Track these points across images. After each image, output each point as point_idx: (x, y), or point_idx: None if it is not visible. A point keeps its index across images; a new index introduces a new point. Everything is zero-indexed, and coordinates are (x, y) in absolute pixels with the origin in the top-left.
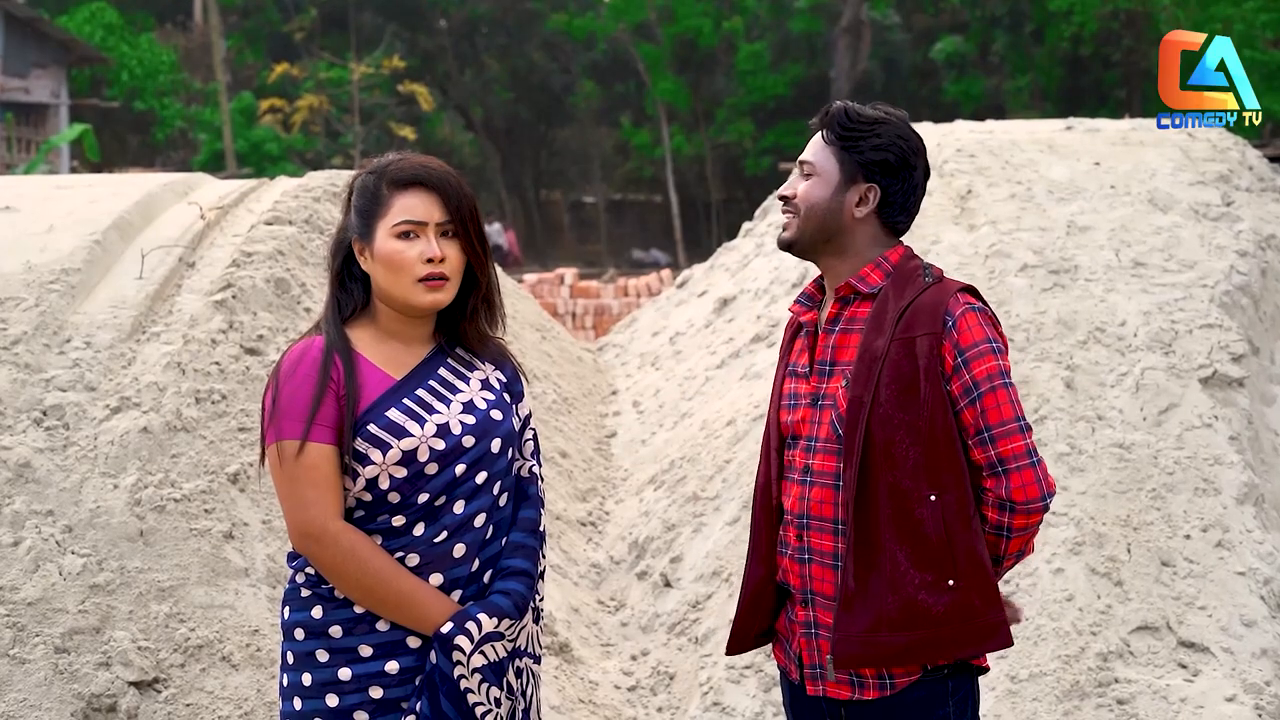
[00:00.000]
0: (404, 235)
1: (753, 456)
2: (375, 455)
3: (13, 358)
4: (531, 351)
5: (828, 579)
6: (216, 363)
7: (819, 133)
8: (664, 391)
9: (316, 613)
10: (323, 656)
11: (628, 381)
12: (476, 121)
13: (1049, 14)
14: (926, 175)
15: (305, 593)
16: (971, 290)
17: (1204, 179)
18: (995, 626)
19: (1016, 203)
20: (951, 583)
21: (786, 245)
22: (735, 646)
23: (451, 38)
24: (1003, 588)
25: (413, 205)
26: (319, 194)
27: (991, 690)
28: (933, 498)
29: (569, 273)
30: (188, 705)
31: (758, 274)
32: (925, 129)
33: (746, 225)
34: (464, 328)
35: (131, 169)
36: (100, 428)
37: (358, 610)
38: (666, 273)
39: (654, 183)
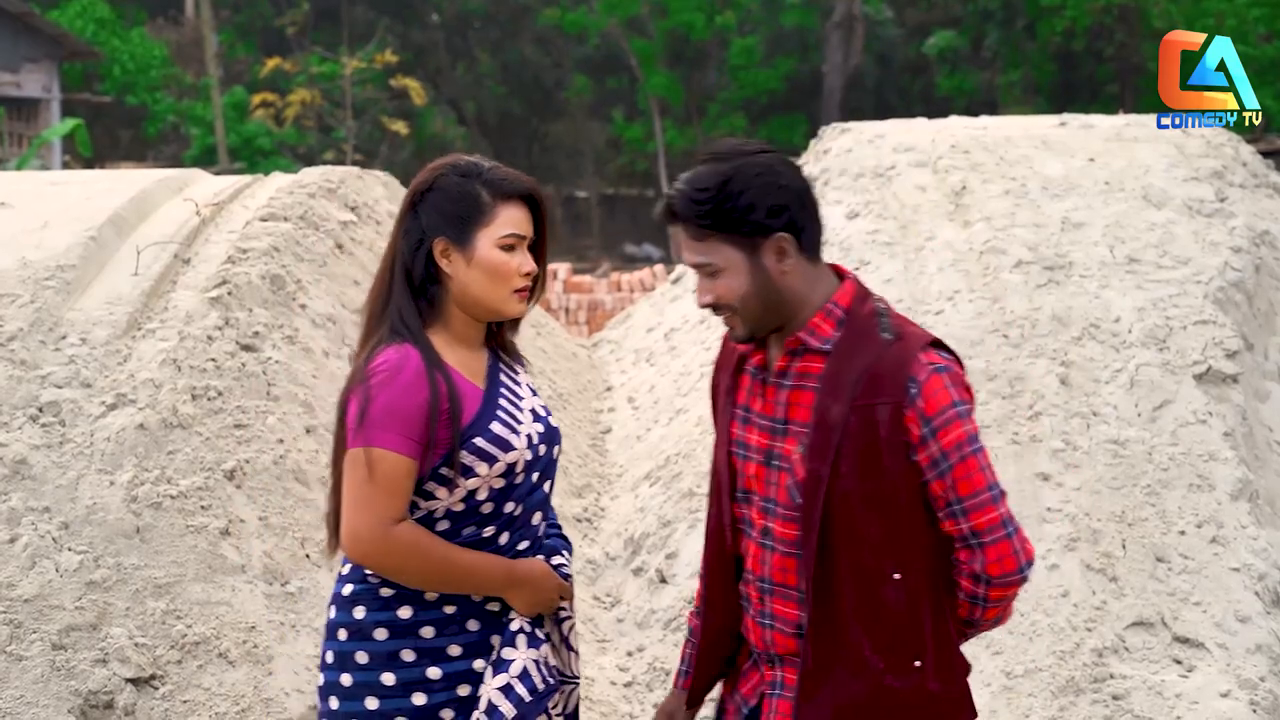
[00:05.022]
0: (507, 247)
1: None
2: (480, 468)
3: (8, 354)
4: (526, 347)
5: (792, 646)
6: (212, 359)
7: (683, 230)
8: (659, 387)
9: (404, 613)
10: (409, 656)
11: (622, 377)
12: (468, 116)
13: (1041, 9)
14: (802, 175)
15: (387, 592)
16: (937, 344)
17: (1198, 175)
18: (959, 701)
19: (1011, 199)
20: (919, 663)
21: (747, 341)
22: (696, 699)
23: (444, 32)
24: None
25: (518, 218)
26: (314, 190)
27: (987, 686)
28: (896, 576)
29: (562, 268)
30: (185, 702)
31: None
32: (919, 124)
33: None
34: (505, 331)
35: (123, 164)
36: (96, 424)
37: (448, 610)
38: (660, 268)
39: (646, 177)
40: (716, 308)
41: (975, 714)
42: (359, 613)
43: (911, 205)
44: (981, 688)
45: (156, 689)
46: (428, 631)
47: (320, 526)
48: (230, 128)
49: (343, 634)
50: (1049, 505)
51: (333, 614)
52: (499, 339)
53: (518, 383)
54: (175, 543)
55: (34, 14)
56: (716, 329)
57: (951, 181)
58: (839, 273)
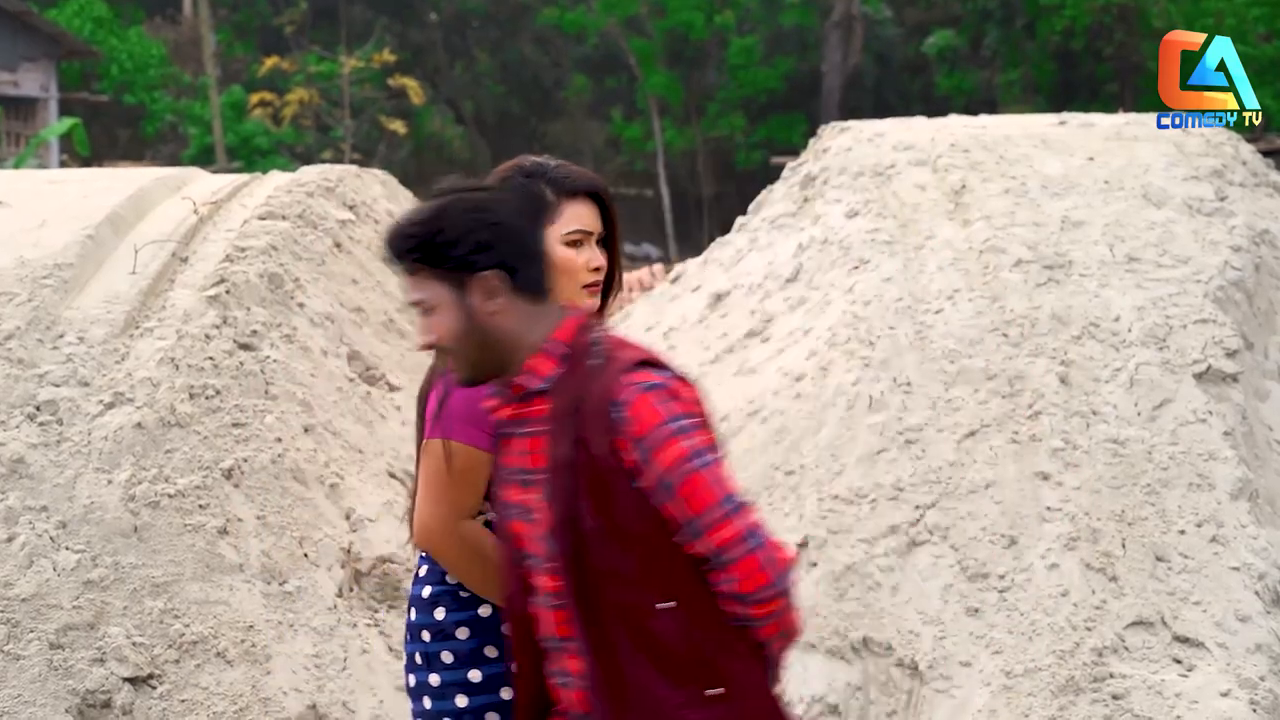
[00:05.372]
0: (573, 243)
1: (747, 451)
2: None
3: (6, 353)
4: None
5: (590, 702)
6: (210, 358)
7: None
8: None
9: (484, 611)
10: (492, 653)
11: None
12: (467, 115)
13: (1040, 8)
14: (522, 215)
15: (465, 593)
16: (649, 363)
17: (1198, 174)
18: (769, 715)
19: (1010, 198)
20: (714, 691)
21: (468, 384)
22: None
23: (442, 31)
24: (998, 583)
25: (583, 214)
26: (312, 189)
27: (987, 686)
28: (664, 606)
29: None
30: (183, 701)
31: (751, 269)
32: (919, 123)
33: (740, 220)
34: None
35: (121, 163)
36: (94, 423)
37: None
38: (659, 267)
39: (645, 177)
40: (435, 348)
41: None
42: (439, 614)
43: (911, 204)
44: (981, 687)
45: (154, 688)
46: (508, 628)
47: (319, 525)
48: (228, 127)
49: (426, 635)
50: (1048, 504)
51: (413, 616)
52: None
53: None
54: (173, 542)
55: (32, 13)
56: (716, 329)
57: (951, 180)
58: (570, 311)
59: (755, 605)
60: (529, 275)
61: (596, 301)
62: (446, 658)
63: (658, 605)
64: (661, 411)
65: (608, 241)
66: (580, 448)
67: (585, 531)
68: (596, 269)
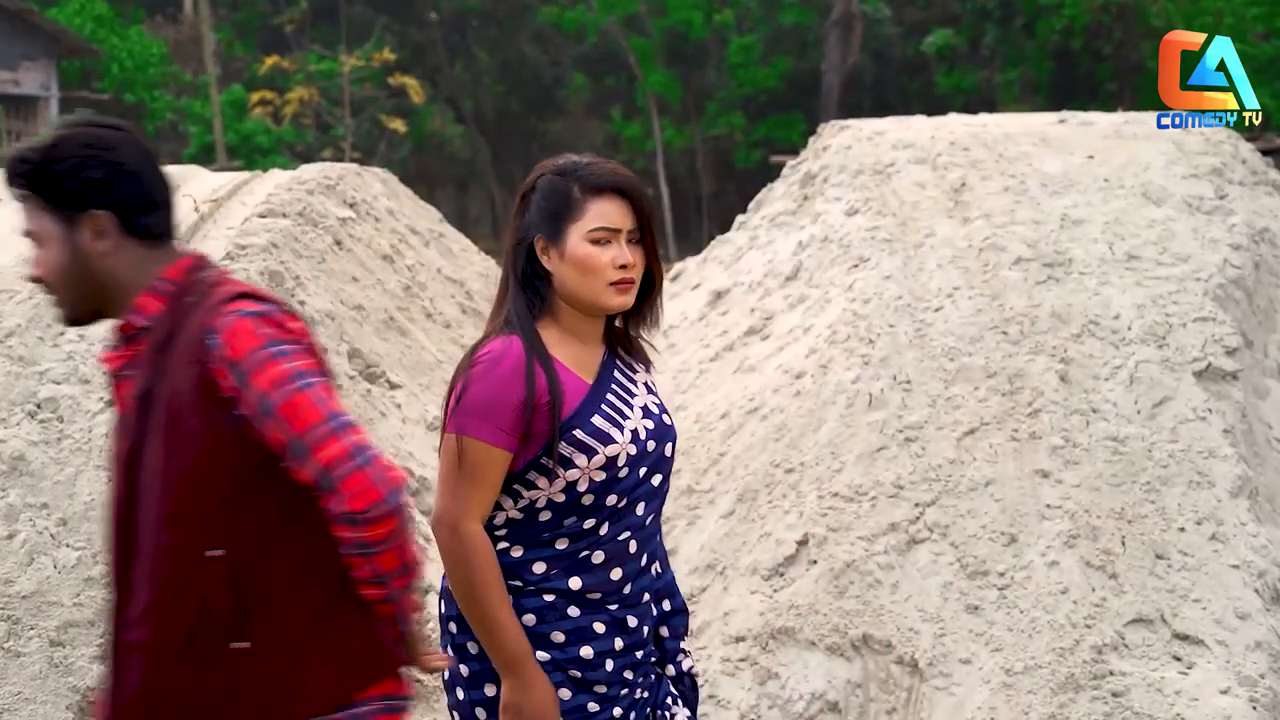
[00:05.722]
0: (598, 240)
1: (748, 449)
2: (580, 460)
3: (7, 350)
4: None
5: None
6: None
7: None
8: (657, 384)
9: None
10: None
11: None
12: (467, 114)
13: (1039, 7)
14: (148, 157)
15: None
16: (247, 295)
17: (1197, 172)
18: (307, 692)
19: (1010, 196)
20: (241, 645)
21: (70, 323)
22: None
23: (442, 30)
24: (998, 581)
25: (608, 211)
26: (312, 186)
27: (987, 683)
28: (213, 553)
29: None
30: None
31: (751, 267)
32: (918, 121)
33: (740, 218)
34: (625, 329)
35: None
36: (94, 420)
37: (547, 599)
38: None
39: (645, 175)
40: (39, 283)
41: (346, 702)
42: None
43: (911, 202)
44: (981, 684)
45: None
46: (530, 620)
47: None
48: (228, 126)
49: (454, 627)
50: (1048, 502)
51: (442, 608)
52: (619, 335)
53: (632, 379)
54: None
55: (32, 11)
56: (716, 326)
57: (951, 178)
58: (185, 252)
59: (368, 526)
60: (144, 219)
61: (627, 300)
62: (472, 648)
63: (206, 553)
64: (260, 335)
65: (649, 240)
66: (166, 380)
67: (147, 468)
68: (623, 266)
